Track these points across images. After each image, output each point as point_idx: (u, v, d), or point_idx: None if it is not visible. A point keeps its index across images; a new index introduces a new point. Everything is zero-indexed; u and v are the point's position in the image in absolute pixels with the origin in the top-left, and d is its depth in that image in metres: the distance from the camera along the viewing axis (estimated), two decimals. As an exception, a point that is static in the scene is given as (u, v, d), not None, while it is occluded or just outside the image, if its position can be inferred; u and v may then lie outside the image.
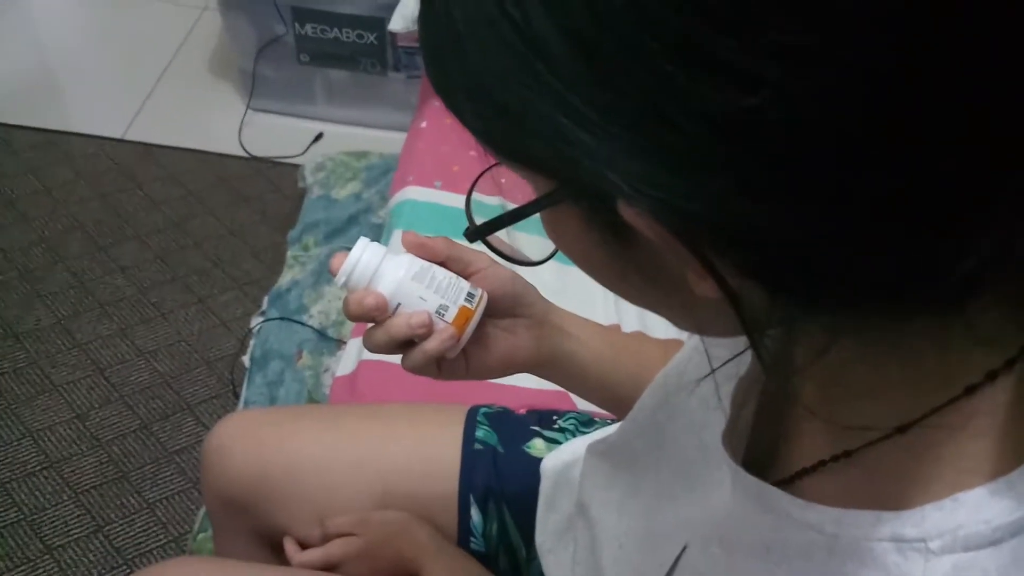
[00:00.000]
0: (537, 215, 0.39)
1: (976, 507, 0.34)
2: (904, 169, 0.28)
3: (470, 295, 0.62)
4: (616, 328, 1.01)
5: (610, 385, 0.71)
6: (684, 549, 0.51)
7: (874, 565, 0.36)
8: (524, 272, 0.63)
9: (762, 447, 0.48)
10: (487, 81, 0.33)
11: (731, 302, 0.33)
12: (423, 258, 0.63)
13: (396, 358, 1.16)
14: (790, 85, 0.27)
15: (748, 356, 0.49)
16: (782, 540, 0.41)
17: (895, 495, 0.36)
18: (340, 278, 0.61)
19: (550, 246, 0.43)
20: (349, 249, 0.62)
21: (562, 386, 0.72)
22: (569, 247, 0.40)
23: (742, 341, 0.35)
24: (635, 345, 0.74)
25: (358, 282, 0.61)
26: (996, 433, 0.35)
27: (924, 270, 0.31)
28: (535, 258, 0.51)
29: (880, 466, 0.38)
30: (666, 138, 0.29)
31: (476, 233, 0.43)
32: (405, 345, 0.62)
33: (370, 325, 0.63)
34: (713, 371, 0.49)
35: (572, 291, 1.01)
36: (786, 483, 0.42)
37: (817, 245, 0.30)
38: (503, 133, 0.35)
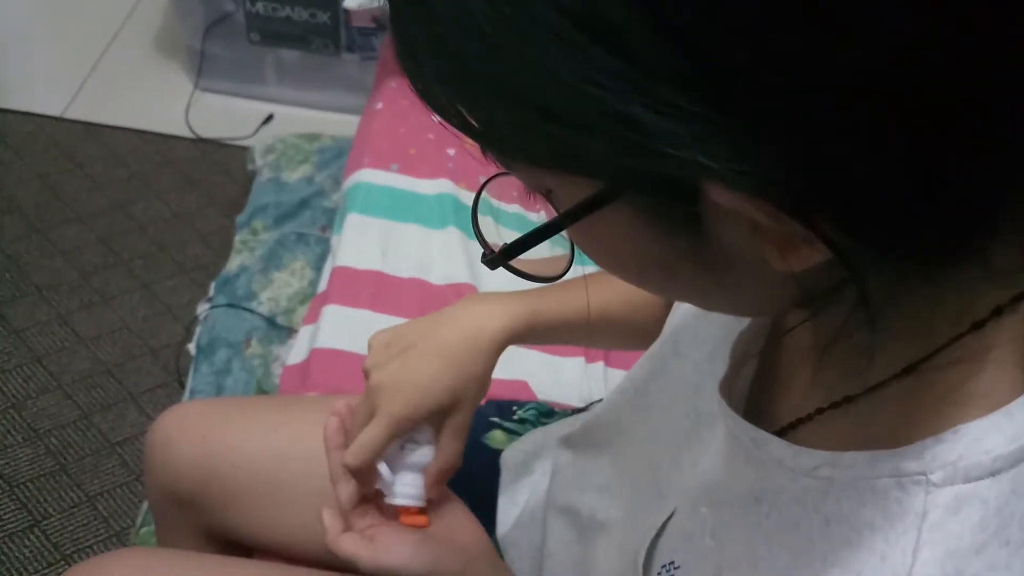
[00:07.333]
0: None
1: (976, 438, 0.33)
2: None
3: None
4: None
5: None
6: (672, 514, 0.50)
7: (873, 502, 0.35)
8: None
9: (759, 403, 0.47)
10: (531, 84, 0.29)
11: (841, 260, 0.31)
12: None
13: (351, 345, 1.11)
14: (933, 30, 0.26)
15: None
16: (774, 489, 0.40)
17: (893, 434, 0.36)
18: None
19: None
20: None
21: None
22: (611, 249, 0.36)
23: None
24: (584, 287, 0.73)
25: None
26: (998, 367, 0.34)
27: (1003, 197, 0.31)
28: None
29: (879, 409, 0.37)
30: (772, 113, 0.27)
31: (503, 257, 0.38)
32: None
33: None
34: None
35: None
36: (779, 434, 0.42)
37: (922, 188, 0.29)
38: (548, 138, 0.30)
